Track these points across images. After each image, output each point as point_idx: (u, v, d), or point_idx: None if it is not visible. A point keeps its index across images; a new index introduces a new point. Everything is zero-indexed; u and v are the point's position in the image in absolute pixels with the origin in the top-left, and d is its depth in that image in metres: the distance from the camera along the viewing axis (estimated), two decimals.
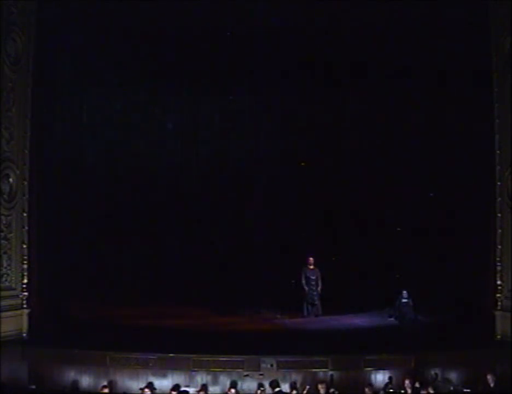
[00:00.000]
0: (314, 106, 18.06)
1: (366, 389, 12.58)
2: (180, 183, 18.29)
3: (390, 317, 16.32)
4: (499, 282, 14.77)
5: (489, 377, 12.70)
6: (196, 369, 13.39)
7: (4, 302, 14.21)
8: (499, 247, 14.81)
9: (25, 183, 14.83)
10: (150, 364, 13.46)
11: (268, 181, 18.12)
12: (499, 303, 14.77)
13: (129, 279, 17.15)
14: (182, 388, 12.89)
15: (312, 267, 16.88)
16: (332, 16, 15.95)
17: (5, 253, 14.45)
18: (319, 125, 18.04)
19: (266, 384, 13.03)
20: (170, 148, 18.43)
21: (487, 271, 15.07)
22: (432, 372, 13.36)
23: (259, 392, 12.78)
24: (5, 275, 14.45)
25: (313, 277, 16.80)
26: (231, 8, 15.82)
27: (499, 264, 14.82)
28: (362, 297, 16.67)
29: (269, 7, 15.77)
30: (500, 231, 14.81)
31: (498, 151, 14.89)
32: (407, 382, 12.74)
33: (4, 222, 14.45)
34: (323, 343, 14.24)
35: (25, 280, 14.78)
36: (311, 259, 16.87)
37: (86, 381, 13.53)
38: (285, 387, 12.93)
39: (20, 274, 14.73)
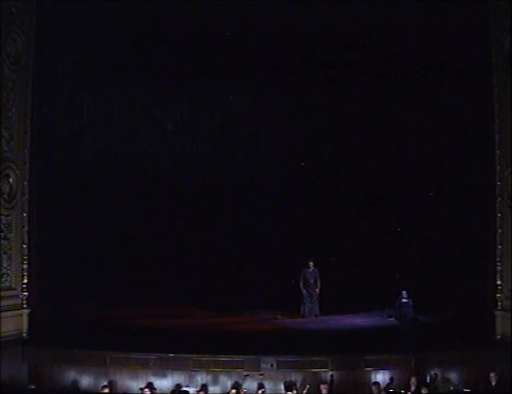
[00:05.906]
0: (314, 106, 18.07)
1: (373, 387, 12.66)
2: (180, 183, 18.31)
3: (390, 317, 16.31)
4: (499, 282, 14.74)
5: (492, 375, 12.75)
6: (196, 369, 13.37)
7: (4, 302, 14.20)
8: (499, 247, 14.78)
9: (25, 183, 14.80)
10: (150, 364, 13.44)
11: (268, 181, 18.12)
12: (499, 303, 14.74)
13: (129, 279, 17.14)
14: (183, 388, 12.90)
15: (311, 269, 16.85)
16: (332, 16, 15.94)
17: (5, 253, 14.43)
18: (319, 125, 18.06)
19: (266, 384, 13.05)
20: (170, 148, 18.45)
21: (487, 271, 15.05)
22: (432, 372, 13.35)
23: (259, 392, 12.78)
24: (5, 275, 14.44)
25: (312, 280, 16.77)
26: (231, 8, 15.81)
27: (499, 264, 14.80)
28: (362, 297, 16.68)
29: (269, 7, 15.77)
30: (500, 231, 14.78)
31: (498, 151, 14.87)
32: (413, 379, 12.80)
33: (4, 222, 14.44)
34: (323, 343, 14.23)
35: (25, 280, 14.78)
36: (311, 263, 16.83)
37: (86, 381, 13.54)
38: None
39: (20, 274, 14.72)
